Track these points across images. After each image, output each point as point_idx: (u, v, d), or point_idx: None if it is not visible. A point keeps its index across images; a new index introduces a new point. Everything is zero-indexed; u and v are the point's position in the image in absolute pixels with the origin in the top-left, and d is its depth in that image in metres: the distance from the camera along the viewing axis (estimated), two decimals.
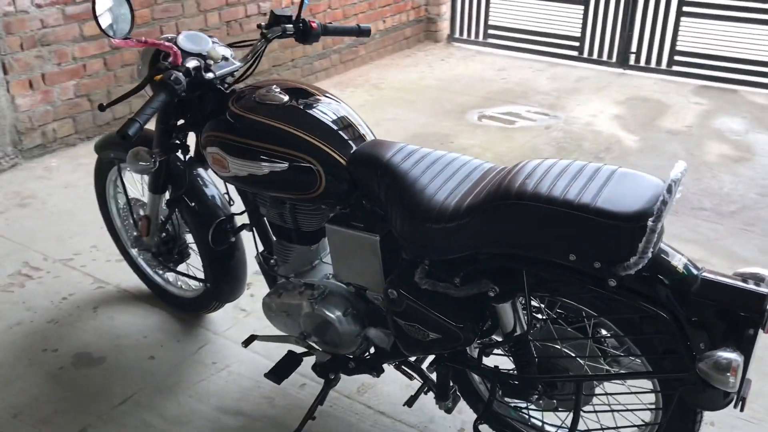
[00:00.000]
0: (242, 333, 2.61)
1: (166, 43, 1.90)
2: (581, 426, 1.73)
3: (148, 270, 2.77)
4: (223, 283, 2.46)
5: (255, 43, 2.11)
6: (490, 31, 6.62)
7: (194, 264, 2.57)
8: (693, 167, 4.18)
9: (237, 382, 2.40)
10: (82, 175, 3.84)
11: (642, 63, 6.02)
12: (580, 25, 6.21)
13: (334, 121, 1.93)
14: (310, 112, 1.92)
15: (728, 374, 1.41)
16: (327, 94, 2.03)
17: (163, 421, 2.23)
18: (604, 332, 1.77)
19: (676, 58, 5.88)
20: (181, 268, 2.58)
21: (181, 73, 1.82)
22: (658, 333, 1.57)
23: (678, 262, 1.55)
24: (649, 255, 1.45)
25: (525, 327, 1.75)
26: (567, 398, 1.83)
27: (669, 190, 1.45)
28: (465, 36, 6.82)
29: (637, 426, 1.84)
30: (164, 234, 2.46)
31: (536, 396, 1.83)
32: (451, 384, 2.00)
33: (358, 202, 1.91)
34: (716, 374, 1.43)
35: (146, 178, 2.41)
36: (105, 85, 4.30)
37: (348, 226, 1.89)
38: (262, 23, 2.16)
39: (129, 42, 1.87)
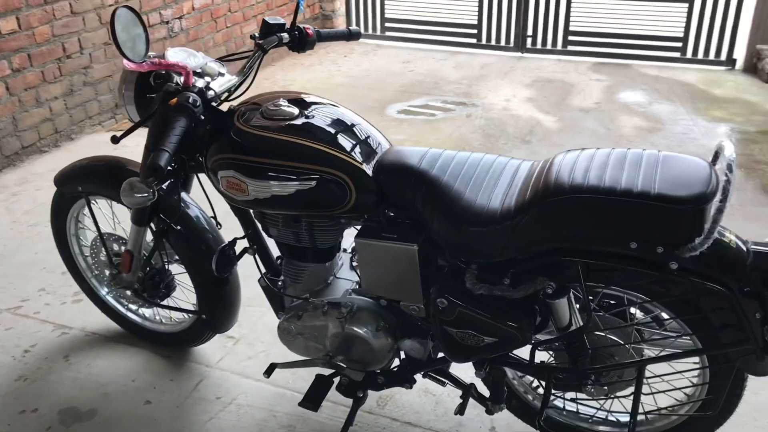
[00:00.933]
0: (237, 362, 2.48)
1: (181, 64, 1.75)
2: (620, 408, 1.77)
3: (121, 309, 2.57)
4: (219, 311, 2.32)
5: (250, 55, 1.99)
6: (388, 24, 6.63)
7: (176, 296, 2.40)
8: (614, 141, 4.38)
9: (249, 414, 2.27)
10: (1, 212, 3.50)
11: (539, 45, 6.25)
12: (477, 13, 6.34)
13: (352, 132, 1.86)
14: (326, 124, 1.84)
15: None
16: (331, 102, 1.95)
17: None
18: (641, 315, 1.81)
19: (571, 38, 6.15)
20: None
21: (195, 94, 1.68)
22: (716, 309, 1.62)
23: (730, 237, 1.61)
24: (715, 235, 1.50)
25: (580, 321, 1.76)
26: (616, 383, 1.86)
27: (730, 170, 1.49)
28: (363, 31, 6.78)
29: (683, 403, 1.89)
30: (148, 268, 2.28)
31: (589, 385, 1.85)
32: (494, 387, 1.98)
33: (382, 212, 1.85)
34: None
35: (117, 211, 2.22)
36: (9, 111, 3.93)
37: (380, 239, 1.82)
38: (255, 34, 2.04)
39: (144, 65, 1.71)
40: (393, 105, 5.14)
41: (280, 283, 2.11)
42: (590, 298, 1.77)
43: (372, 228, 1.85)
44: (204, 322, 2.33)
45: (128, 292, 2.37)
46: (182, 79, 1.80)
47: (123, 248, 2.34)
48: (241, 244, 2.17)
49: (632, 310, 1.82)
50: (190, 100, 1.66)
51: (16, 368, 2.48)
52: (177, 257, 2.27)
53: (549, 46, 6.21)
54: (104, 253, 2.39)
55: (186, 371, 2.46)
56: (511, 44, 6.31)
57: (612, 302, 1.82)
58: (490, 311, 1.73)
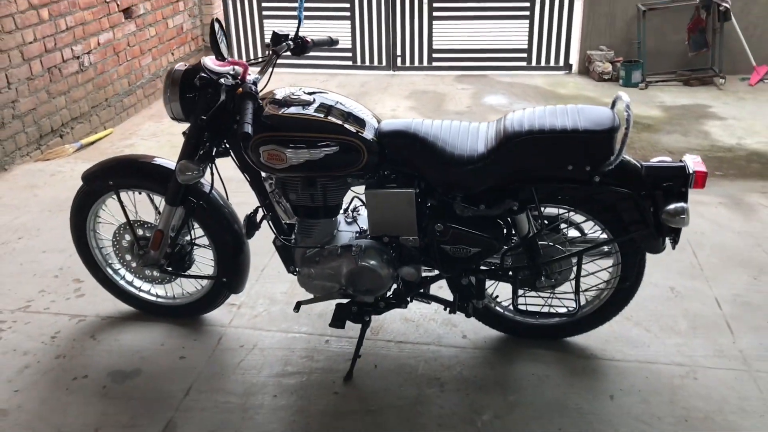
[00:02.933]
0: (246, 321, 2.98)
1: (242, 62, 2.30)
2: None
3: (136, 291, 2.98)
4: (238, 273, 2.81)
5: (267, 59, 2.55)
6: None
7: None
8: None
9: (272, 354, 2.78)
10: None
11: (408, 63, 7.09)
12: (350, 38, 7.08)
13: (355, 110, 2.47)
14: (335, 105, 2.44)
15: (683, 215, 2.27)
16: (326, 91, 2.55)
17: (234, 396, 2.56)
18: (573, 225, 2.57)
19: (435, 55, 7.04)
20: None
21: (252, 85, 2.24)
22: (624, 209, 2.39)
23: (628, 158, 2.39)
24: (622, 156, 2.27)
25: (534, 229, 2.47)
26: (562, 273, 2.58)
27: (628, 108, 2.27)
28: (244, 60, 7.32)
29: (606, 282, 2.65)
30: (177, 245, 2.74)
31: (542, 280, 2.56)
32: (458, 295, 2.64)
33: (382, 171, 2.47)
34: (676, 217, 2.28)
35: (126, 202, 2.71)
36: None
37: (385, 188, 2.45)
38: (269, 44, 2.60)
39: (227, 62, 2.26)
40: None
41: (293, 241, 2.66)
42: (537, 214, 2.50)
43: (376, 182, 2.47)
44: (225, 285, 2.81)
45: (152, 271, 2.81)
46: (231, 75, 2.34)
47: (146, 232, 2.78)
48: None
49: (562, 226, 2.57)
50: (253, 90, 2.22)
51: (50, 350, 2.82)
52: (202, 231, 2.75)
53: (417, 63, 7.08)
54: (128, 238, 2.80)
55: (205, 332, 2.92)
56: (384, 63, 7.11)
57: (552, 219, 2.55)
58: (474, 227, 2.41)
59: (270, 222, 2.67)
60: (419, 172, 2.44)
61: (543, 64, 6.97)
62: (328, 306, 2.97)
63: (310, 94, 2.47)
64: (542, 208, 2.47)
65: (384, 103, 6.14)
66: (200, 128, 2.45)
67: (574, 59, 6.92)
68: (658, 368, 2.65)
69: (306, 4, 7.06)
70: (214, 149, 2.55)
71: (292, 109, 2.39)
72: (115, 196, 2.76)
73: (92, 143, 5.22)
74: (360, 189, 2.55)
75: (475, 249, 2.45)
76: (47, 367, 2.72)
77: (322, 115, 2.38)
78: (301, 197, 2.55)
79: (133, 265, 2.87)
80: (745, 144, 5.02)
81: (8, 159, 4.57)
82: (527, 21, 6.85)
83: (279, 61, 2.61)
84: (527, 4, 6.78)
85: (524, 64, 7.00)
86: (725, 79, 6.35)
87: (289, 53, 2.67)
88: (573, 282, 2.54)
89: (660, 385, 2.56)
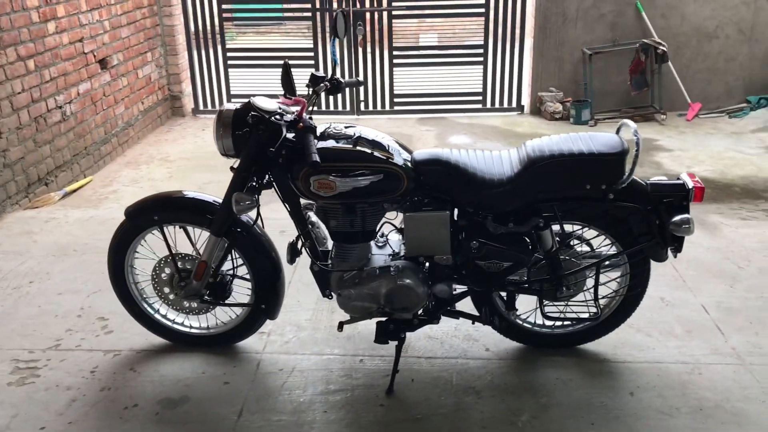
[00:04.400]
0: (279, 347, 3.13)
1: (301, 100, 2.53)
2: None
3: (171, 324, 3.10)
4: (276, 299, 2.97)
5: (308, 98, 2.79)
6: (234, 100, 7.41)
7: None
8: None
9: (312, 375, 2.94)
10: None
11: (371, 108, 7.41)
12: None
13: (389, 141, 2.71)
14: (374, 138, 2.68)
15: (687, 225, 2.60)
16: (360, 126, 2.79)
17: (285, 414, 2.71)
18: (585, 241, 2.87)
19: (396, 100, 7.39)
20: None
21: (309, 120, 2.47)
22: (634, 222, 2.71)
23: (636, 177, 2.71)
24: (633, 174, 2.60)
25: (557, 244, 2.75)
26: (579, 284, 2.86)
27: (636, 133, 2.60)
28: (209, 107, 7.50)
29: (615, 291, 2.94)
30: (219, 275, 2.89)
31: (563, 290, 2.83)
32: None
33: (417, 196, 2.71)
34: (681, 227, 2.60)
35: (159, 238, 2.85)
36: None
37: (423, 211, 2.69)
38: (309, 84, 2.83)
39: (296, 99, 2.51)
40: None
41: (330, 266, 2.85)
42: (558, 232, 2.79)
43: (414, 206, 2.71)
44: (264, 311, 2.97)
45: (191, 302, 2.94)
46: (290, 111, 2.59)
47: (186, 265, 2.92)
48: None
49: (576, 240, 2.86)
50: (313, 125, 2.44)
51: (93, 384, 2.90)
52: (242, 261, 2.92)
53: (379, 108, 7.41)
54: (168, 271, 2.94)
55: (243, 359, 3.05)
56: (348, 108, 7.41)
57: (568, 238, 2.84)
58: (506, 243, 2.67)
59: (307, 249, 2.86)
60: (451, 196, 2.69)
61: (497, 105, 7.41)
62: (356, 328, 3.18)
63: (347, 128, 2.71)
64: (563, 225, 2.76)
65: None
66: (251, 162, 2.65)
67: (526, 101, 7.39)
68: (666, 367, 2.94)
69: (270, 54, 7.33)
70: (260, 182, 2.75)
71: (341, 143, 2.62)
72: (157, 231, 2.90)
73: (75, 191, 5.27)
74: (391, 214, 2.79)
75: (506, 263, 2.70)
76: (94, 400, 2.80)
77: (368, 148, 2.62)
78: (341, 223, 2.76)
79: (172, 297, 3.00)
80: (694, 173, 5.49)
81: (0, 208, 4.59)
82: (481, 66, 7.29)
83: None
84: (481, 51, 7.24)
85: (480, 106, 7.43)
86: (666, 115, 6.92)
87: (323, 93, 2.90)
88: (592, 290, 2.82)
89: (671, 381, 2.85)
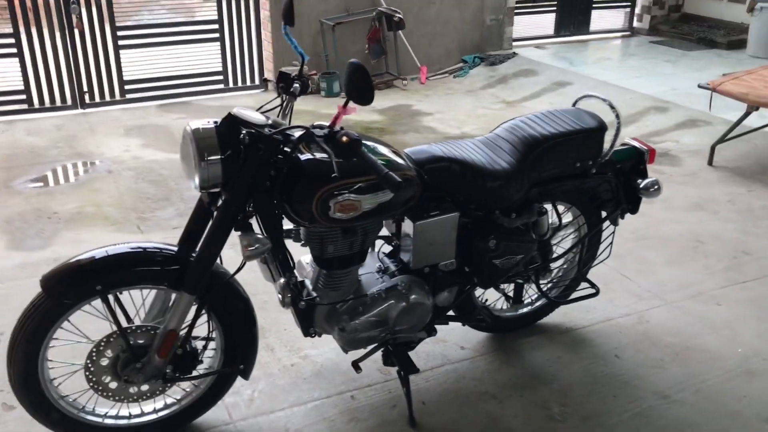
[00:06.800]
0: (247, 410, 2.58)
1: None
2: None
3: (114, 421, 2.32)
4: (252, 356, 2.40)
5: (287, 102, 2.24)
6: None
7: None
8: None
9: (312, 430, 2.46)
10: None
11: (98, 99, 6.36)
12: (21, 76, 6.05)
13: (384, 145, 2.33)
14: (378, 145, 2.28)
15: (656, 187, 2.74)
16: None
17: None
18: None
19: (127, 87, 6.45)
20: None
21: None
22: (604, 191, 2.77)
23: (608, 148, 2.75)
24: (614, 146, 2.64)
25: (551, 227, 2.68)
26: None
27: (612, 106, 2.64)
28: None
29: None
30: (187, 342, 2.22)
31: (550, 270, 2.79)
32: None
33: (422, 202, 2.39)
34: (651, 190, 2.73)
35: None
36: None
37: (432, 217, 2.39)
38: (282, 85, 2.26)
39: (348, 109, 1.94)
40: (18, 181, 4.73)
41: (317, 299, 2.39)
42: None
43: (420, 213, 2.38)
44: (242, 372, 2.37)
45: (145, 385, 2.23)
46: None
47: (138, 340, 2.19)
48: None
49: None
50: (356, 135, 1.95)
51: None
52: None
53: (108, 98, 6.39)
54: (111, 354, 2.17)
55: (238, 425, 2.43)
56: (69, 102, 6.25)
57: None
58: (518, 236, 2.52)
59: (292, 285, 2.35)
60: (457, 195, 2.43)
61: (240, 84, 6.94)
62: (315, 364, 2.76)
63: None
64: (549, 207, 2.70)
65: (108, 145, 5.44)
66: (247, 191, 2.06)
67: (269, 77, 7.04)
68: (619, 322, 3.12)
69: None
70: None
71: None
72: (100, 303, 2.11)
73: None
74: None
75: (519, 256, 2.56)
76: None
77: (390, 154, 2.22)
78: (339, 247, 2.32)
79: (114, 385, 2.22)
80: (468, 131, 5.85)
81: None
82: (218, 43, 6.73)
83: None
84: (216, 26, 6.66)
85: (222, 86, 6.88)
86: (407, 81, 7.21)
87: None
88: (576, 267, 2.84)
89: (635, 335, 3.03)
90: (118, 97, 6.44)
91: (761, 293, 3.36)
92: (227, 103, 6.59)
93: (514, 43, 8.14)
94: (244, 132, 2.00)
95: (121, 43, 6.34)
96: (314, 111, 6.26)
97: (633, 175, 2.78)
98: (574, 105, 2.79)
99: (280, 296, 2.28)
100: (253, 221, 2.19)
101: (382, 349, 2.53)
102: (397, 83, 7.21)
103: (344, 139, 1.94)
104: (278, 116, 2.29)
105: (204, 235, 2.12)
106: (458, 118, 6.23)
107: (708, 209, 4.26)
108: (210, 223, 2.12)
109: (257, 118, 2.07)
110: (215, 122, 2.07)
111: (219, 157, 2.01)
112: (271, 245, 2.10)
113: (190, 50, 6.72)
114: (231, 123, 2.04)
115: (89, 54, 6.21)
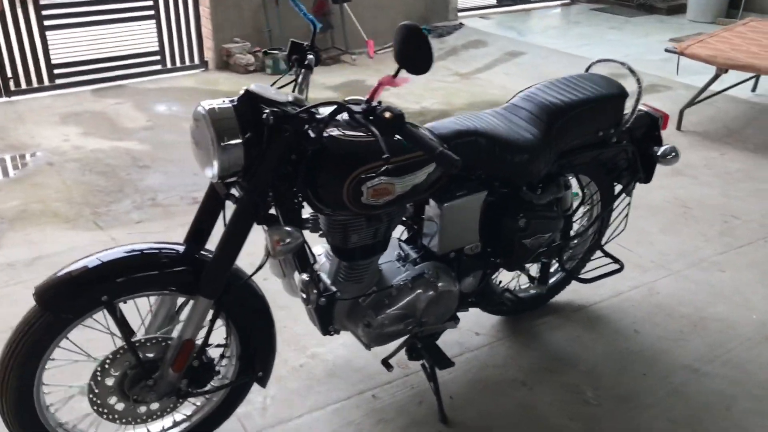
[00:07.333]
0: (262, 420, 2.34)
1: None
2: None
3: None
4: (270, 361, 2.15)
5: (303, 76, 1.99)
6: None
7: None
8: None
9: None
10: None
11: (24, 86, 5.83)
12: None
13: None
14: None
15: (675, 153, 2.62)
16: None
17: None
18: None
19: (57, 71, 5.95)
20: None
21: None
22: (622, 160, 2.63)
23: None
24: (635, 112, 2.50)
25: (575, 200, 2.53)
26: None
27: (632, 70, 2.50)
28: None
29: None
30: (203, 352, 1.96)
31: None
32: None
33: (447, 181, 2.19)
34: (668, 157, 2.61)
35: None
36: None
37: (460, 197, 2.20)
38: (296, 57, 2.01)
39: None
40: None
41: (338, 295, 2.16)
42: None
43: (446, 194, 2.18)
44: (260, 379, 2.13)
45: (156, 403, 1.96)
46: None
47: (148, 353, 1.91)
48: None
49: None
50: (399, 110, 1.72)
51: None
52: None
53: (36, 84, 5.86)
54: (117, 373, 1.88)
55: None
56: None
57: None
58: (546, 212, 2.36)
59: (314, 281, 2.12)
60: (481, 171, 2.23)
61: (179, 64, 6.51)
62: (334, 364, 2.58)
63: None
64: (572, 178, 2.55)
65: (44, 135, 4.97)
66: (273, 178, 1.81)
67: (210, 55, 6.64)
68: (630, 296, 3.02)
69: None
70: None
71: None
72: (106, 314, 1.82)
73: None
74: None
75: (547, 234, 2.39)
76: None
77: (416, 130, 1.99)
78: (363, 236, 2.09)
79: (121, 407, 1.94)
80: (428, 106, 5.67)
81: None
82: (154, 21, 6.28)
83: None
84: (150, 2, 6.21)
85: (160, 66, 6.43)
86: (356, 56, 6.94)
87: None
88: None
89: (649, 309, 2.93)
90: (47, 82, 5.91)
91: (759, 257, 3.33)
92: (167, 84, 6.17)
93: (459, 14, 7.97)
94: (267, 111, 1.74)
95: (46, 23, 5.80)
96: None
97: (647, 142, 2.65)
98: (587, 70, 2.63)
99: (303, 294, 2.04)
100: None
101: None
102: (346, 58, 6.94)
103: (387, 114, 1.71)
104: (293, 91, 2.03)
105: (224, 232, 1.85)
106: (415, 92, 6.02)
107: (687, 174, 4.22)
108: (230, 216, 1.85)
109: (278, 95, 1.81)
110: (231, 101, 1.80)
111: (240, 140, 1.75)
112: (302, 239, 1.85)
113: (124, 29, 6.25)
114: (250, 101, 1.78)
115: (11, 36, 5.66)
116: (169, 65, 6.47)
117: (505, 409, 2.38)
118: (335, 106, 1.80)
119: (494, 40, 7.20)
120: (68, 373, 1.95)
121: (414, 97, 5.89)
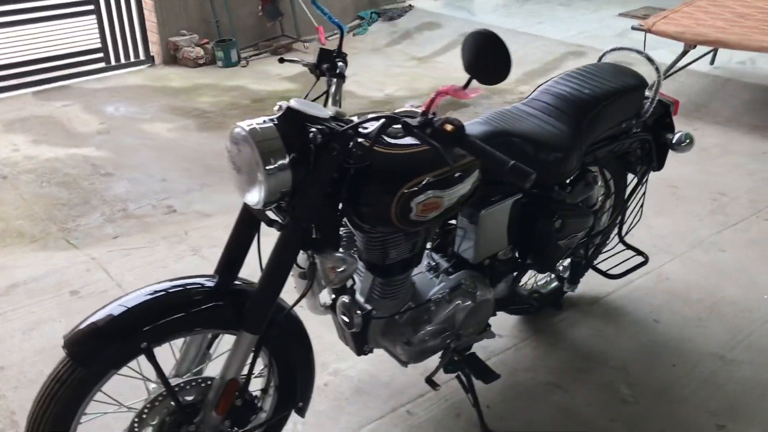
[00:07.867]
0: (314, 429, 2.20)
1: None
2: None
3: None
4: (309, 391, 2.02)
5: (336, 86, 1.84)
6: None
7: None
8: (181, 159, 4.58)
9: None
10: None
11: None
12: None
13: None
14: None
15: (689, 140, 2.58)
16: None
17: None
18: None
19: None
20: None
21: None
22: (639, 149, 2.58)
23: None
24: (654, 102, 2.45)
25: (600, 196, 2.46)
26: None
27: (650, 59, 2.43)
28: None
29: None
30: (245, 390, 1.81)
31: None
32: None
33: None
34: (683, 144, 2.57)
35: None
36: None
37: (496, 203, 2.10)
38: (327, 66, 1.86)
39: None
40: None
41: (374, 313, 2.04)
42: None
43: (480, 202, 2.07)
44: (299, 410, 1.99)
45: None
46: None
47: (187, 397, 1.75)
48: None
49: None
50: (459, 122, 1.59)
51: None
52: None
53: None
54: (155, 421, 1.72)
55: None
56: None
57: None
58: (579, 210, 2.28)
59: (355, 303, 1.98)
60: None
61: (123, 61, 6.17)
62: (359, 380, 2.45)
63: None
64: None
65: None
66: (322, 199, 1.66)
67: (155, 50, 6.32)
68: (642, 284, 2.99)
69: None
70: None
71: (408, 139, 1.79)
72: (145, 360, 1.64)
73: None
74: None
75: (580, 233, 2.32)
76: None
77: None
78: (402, 251, 1.97)
79: None
80: (392, 93, 5.54)
81: None
82: (94, 16, 5.92)
83: None
84: None
85: (103, 64, 6.08)
86: (309, 43, 6.73)
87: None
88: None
89: (662, 296, 2.91)
90: None
91: (755, 235, 3.36)
92: (113, 83, 5.84)
93: None
94: (313, 129, 1.59)
95: None
96: (217, 84, 5.67)
97: (660, 129, 2.60)
98: (600, 59, 2.56)
99: (344, 318, 1.92)
100: None
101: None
102: (298, 46, 6.72)
103: (448, 127, 1.58)
104: (326, 103, 1.88)
105: (268, 261, 1.69)
106: (375, 79, 5.88)
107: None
108: (275, 244, 1.69)
109: (320, 110, 1.66)
110: (270, 119, 1.64)
111: (287, 161, 1.59)
112: (357, 264, 1.72)
113: (63, 26, 5.87)
114: (292, 119, 1.62)
115: None
116: (113, 62, 6.12)
117: (545, 415, 2.32)
118: (383, 120, 1.66)
119: (447, 21, 7.09)
120: (97, 425, 1.77)
121: (376, 84, 5.76)
